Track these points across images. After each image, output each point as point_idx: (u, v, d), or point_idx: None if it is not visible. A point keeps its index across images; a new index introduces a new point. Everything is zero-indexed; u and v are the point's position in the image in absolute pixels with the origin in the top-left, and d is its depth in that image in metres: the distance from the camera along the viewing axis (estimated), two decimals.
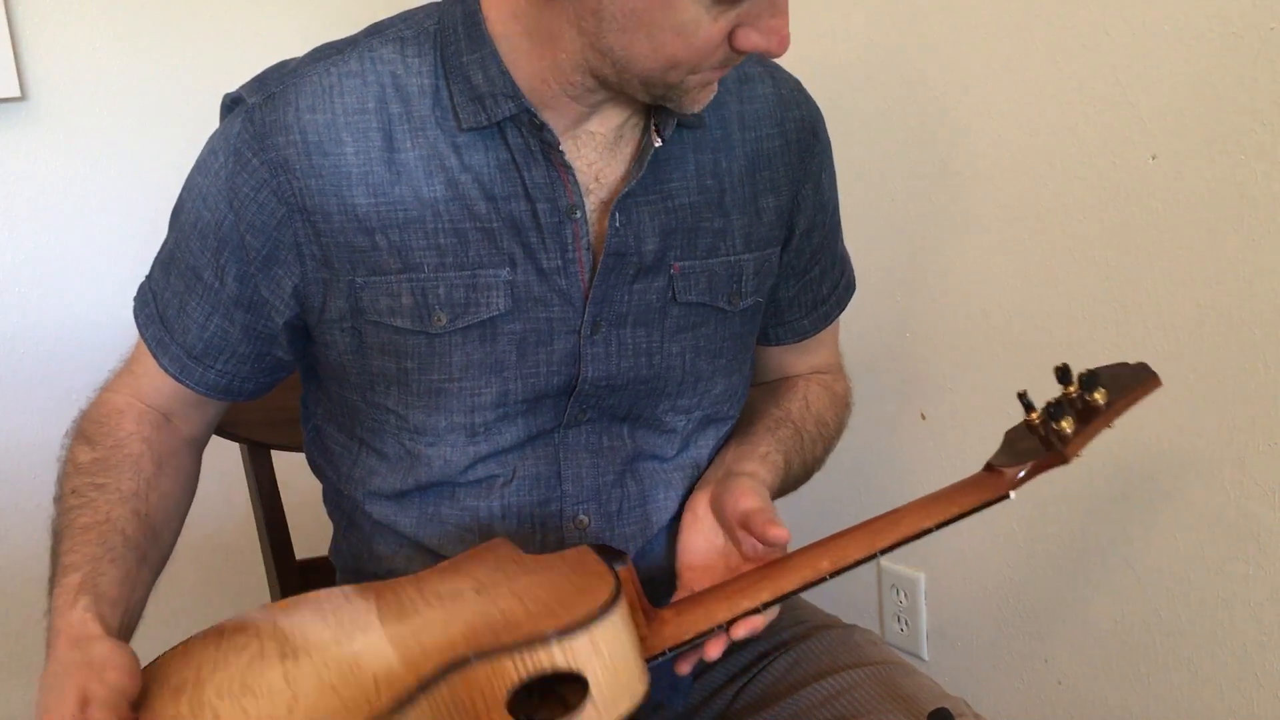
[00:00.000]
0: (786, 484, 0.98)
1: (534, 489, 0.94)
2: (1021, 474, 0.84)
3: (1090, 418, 0.86)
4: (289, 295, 0.90)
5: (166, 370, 0.95)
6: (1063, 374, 0.88)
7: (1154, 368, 1.24)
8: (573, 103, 0.87)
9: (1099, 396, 0.86)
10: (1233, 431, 1.19)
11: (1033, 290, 1.35)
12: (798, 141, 0.98)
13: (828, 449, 1.05)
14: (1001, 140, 1.34)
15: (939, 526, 0.84)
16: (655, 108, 0.89)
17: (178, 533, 0.95)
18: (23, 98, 1.63)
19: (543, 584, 0.79)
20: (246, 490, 1.29)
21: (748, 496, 0.88)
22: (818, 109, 1.01)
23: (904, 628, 1.62)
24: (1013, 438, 0.88)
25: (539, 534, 0.94)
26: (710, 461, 1.00)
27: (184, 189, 0.93)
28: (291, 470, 1.24)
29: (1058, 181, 1.30)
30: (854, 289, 1.11)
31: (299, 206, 0.87)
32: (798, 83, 1.01)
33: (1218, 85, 1.14)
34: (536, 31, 0.84)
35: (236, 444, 1.26)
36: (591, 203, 0.90)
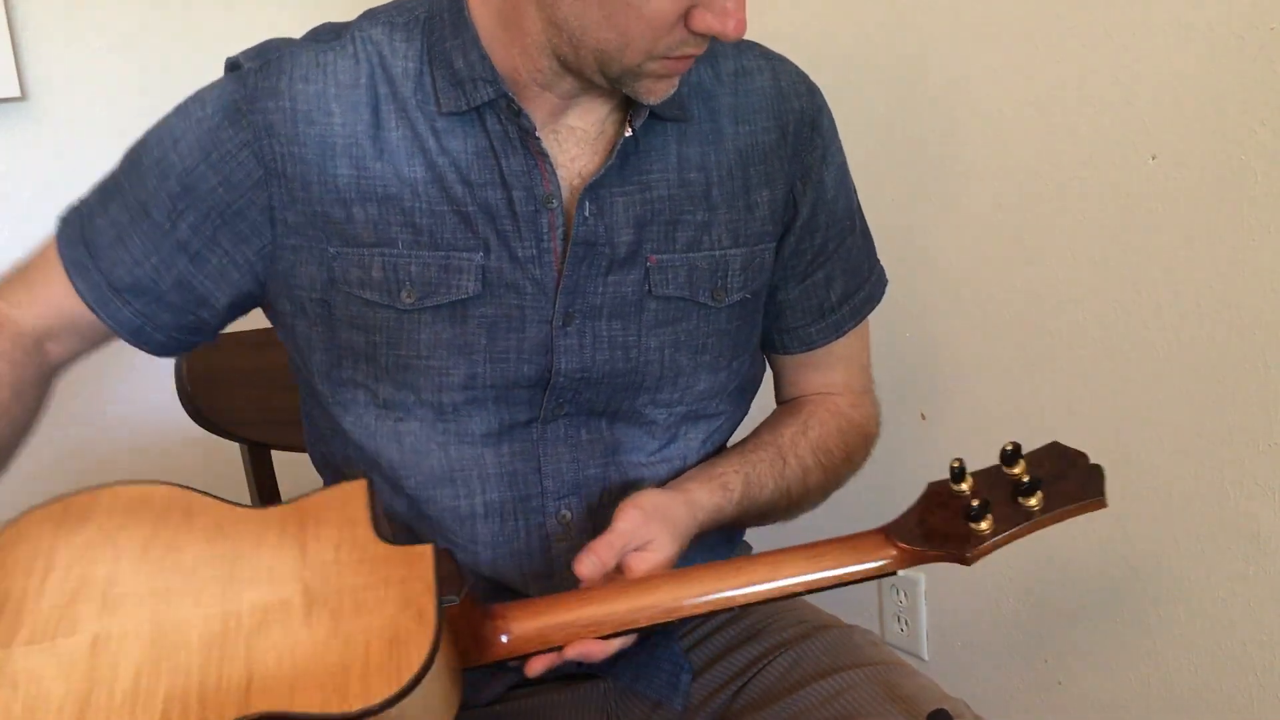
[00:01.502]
0: (751, 510, 0.96)
1: (514, 485, 0.93)
2: (912, 558, 0.83)
3: (1013, 523, 0.82)
4: (251, 256, 0.90)
5: (83, 297, 0.92)
6: (1009, 456, 0.83)
7: (1153, 367, 1.25)
8: (545, 92, 0.88)
9: (1034, 502, 0.82)
10: (1233, 431, 1.19)
11: (1032, 290, 1.35)
12: (795, 134, 0.97)
13: (831, 478, 1.01)
14: (1001, 140, 1.34)
15: (808, 593, 0.83)
16: (632, 100, 0.90)
17: (8, 461, 0.91)
18: (23, 98, 1.63)
19: (361, 628, 0.74)
20: (246, 490, 1.29)
21: (624, 515, 0.86)
22: (821, 102, 0.99)
23: (904, 628, 1.62)
24: (931, 500, 0.85)
25: (523, 530, 0.94)
26: (697, 456, 0.99)
27: (154, 130, 0.92)
28: (291, 470, 1.24)
29: (1058, 181, 1.30)
30: (875, 303, 1.06)
31: (278, 172, 0.88)
32: (800, 74, 0.99)
33: (1218, 85, 1.14)
34: (504, 14, 0.86)
35: (236, 444, 1.26)
36: (570, 193, 0.90)
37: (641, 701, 0.97)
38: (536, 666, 0.82)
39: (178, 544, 0.81)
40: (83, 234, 0.93)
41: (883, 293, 1.07)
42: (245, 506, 0.84)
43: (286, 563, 0.79)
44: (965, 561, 0.82)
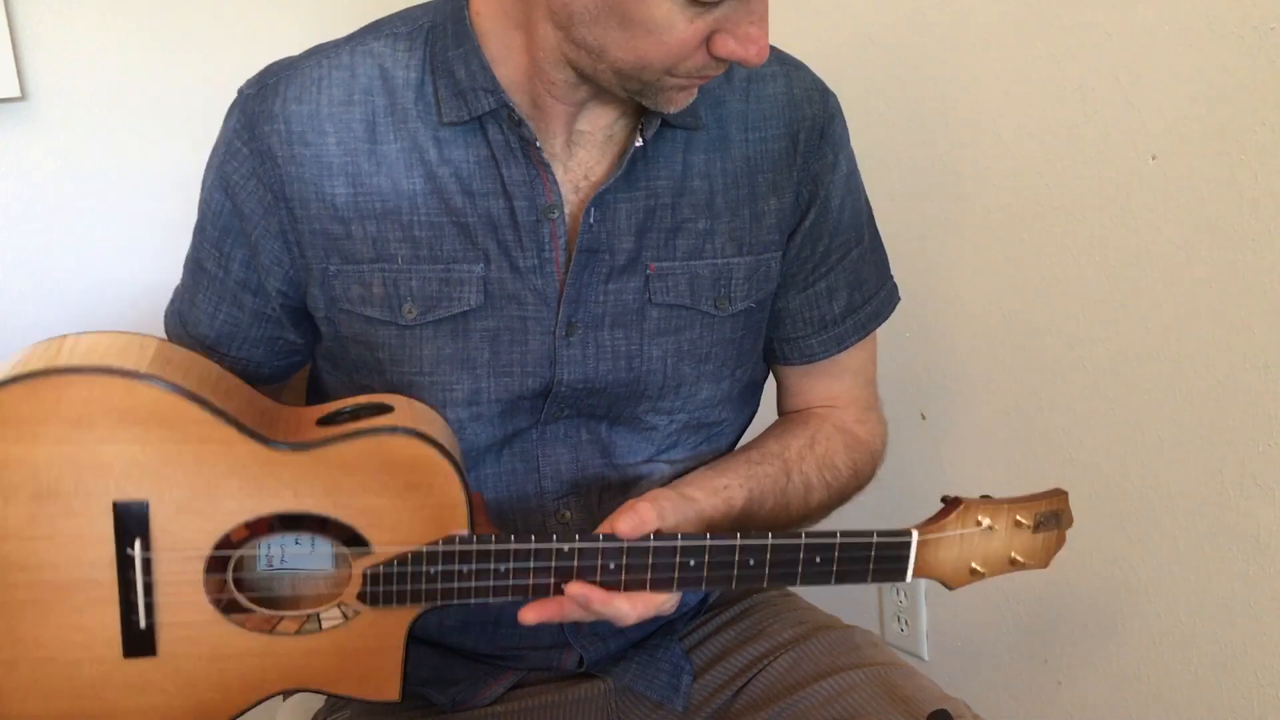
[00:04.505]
0: (747, 525, 0.93)
1: (513, 486, 0.94)
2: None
3: (997, 570, 0.92)
4: (283, 279, 0.92)
5: None
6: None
7: (1153, 367, 1.25)
8: (558, 103, 0.87)
9: (1022, 558, 0.94)
10: (1233, 431, 1.19)
11: (1032, 290, 1.35)
12: (805, 142, 0.96)
13: (834, 496, 0.99)
14: (1001, 140, 1.34)
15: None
16: (644, 107, 0.89)
17: None
18: (23, 98, 1.63)
19: None
20: None
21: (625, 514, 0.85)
22: (834, 109, 0.98)
23: (904, 628, 1.62)
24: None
25: (523, 531, 0.93)
26: (695, 458, 0.99)
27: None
28: None
29: (1058, 181, 1.30)
30: (882, 319, 1.04)
31: (281, 195, 0.89)
32: (815, 81, 0.98)
33: (1218, 85, 1.14)
34: (519, 27, 0.86)
35: None
36: (576, 202, 0.90)
37: (642, 702, 0.97)
38: (529, 615, 0.82)
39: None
40: (178, 307, 0.99)
41: (892, 308, 1.05)
42: (267, 444, 0.82)
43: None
44: (949, 588, 0.88)
